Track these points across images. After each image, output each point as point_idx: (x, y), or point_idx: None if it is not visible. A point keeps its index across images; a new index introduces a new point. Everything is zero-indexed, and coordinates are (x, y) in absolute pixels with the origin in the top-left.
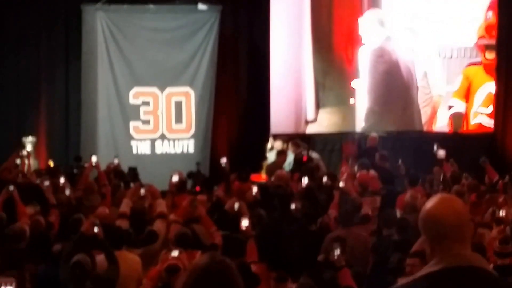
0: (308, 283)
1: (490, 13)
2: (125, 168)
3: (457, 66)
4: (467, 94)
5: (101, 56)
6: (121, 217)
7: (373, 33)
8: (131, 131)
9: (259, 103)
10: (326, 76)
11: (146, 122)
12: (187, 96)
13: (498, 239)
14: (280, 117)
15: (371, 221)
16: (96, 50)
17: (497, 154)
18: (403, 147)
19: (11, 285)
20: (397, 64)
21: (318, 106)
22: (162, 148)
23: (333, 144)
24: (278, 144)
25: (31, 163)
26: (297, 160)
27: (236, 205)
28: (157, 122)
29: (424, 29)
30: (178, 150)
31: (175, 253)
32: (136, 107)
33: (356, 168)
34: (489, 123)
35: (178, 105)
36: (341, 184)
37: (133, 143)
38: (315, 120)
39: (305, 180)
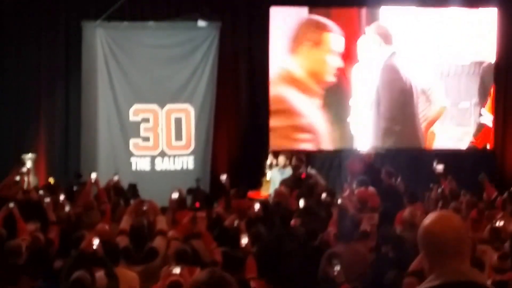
0: None
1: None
2: (125, 184)
3: (455, 81)
4: None
5: (101, 73)
6: (121, 233)
7: (377, 49)
8: (131, 147)
9: (258, 119)
10: (323, 94)
11: (146, 139)
12: (186, 113)
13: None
14: (280, 134)
15: (370, 237)
16: (96, 67)
17: (496, 171)
18: (401, 163)
19: None
20: (407, 81)
21: (314, 125)
22: (162, 164)
23: (331, 161)
24: (282, 159)
25: (31, 180)
26: (296, 177)
27: (236, 222)
28: (157, 139)
29: (422, 46)
30: (178, 166)
31: (177, 269)
32: (136, 124)
33: (354, 185)
34: None
35: (178, 121)
36: (339, 201)
37: (132, 159)
38: (311, 139)
39: (302, 201)
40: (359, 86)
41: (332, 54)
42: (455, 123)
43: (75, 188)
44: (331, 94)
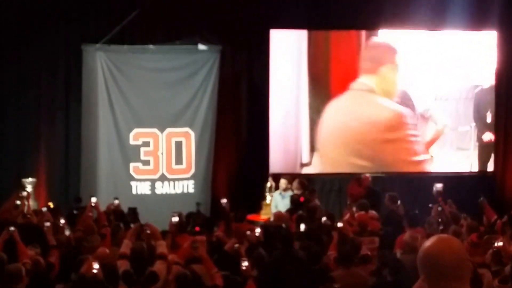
0: None
1: None
2: (125, 208)
3: (453, 105)
4: None
5: (101, 96)
6: (122, 257)
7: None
8: (131, 171)
9: (258, 143)
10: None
11: (146, 162)
12: (187, 137)
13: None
14: (279, 157)
15: (371, 261)
16: (96, 90)
17: (496, 195)
18: (401, 187)
19: None
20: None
21: (313, 149)
22: (162, 188)
23: (331, 185)
24: (283, 182)
25: (31, 204)
26: (295, 201)
27: (236, 246)
28: (157, 163)
29: (421, 69)
30: (178, 190)
31: None
32: (137, 148)
33: (354, 208)
34: None
35: (178, 145)
36: (339, 225)
37: (133, 183)
38: (310, 163)
39: (303, 225)
40: None
41: None
42: (455, 148)
43: (75, 212)
44: None
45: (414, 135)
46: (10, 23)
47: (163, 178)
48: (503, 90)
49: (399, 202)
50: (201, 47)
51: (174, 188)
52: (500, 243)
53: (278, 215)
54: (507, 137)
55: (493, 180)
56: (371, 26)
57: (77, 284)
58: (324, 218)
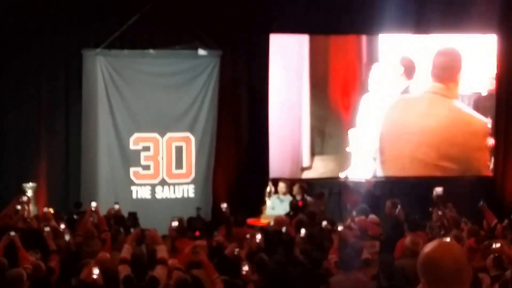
0: None
1: None
2: (125, 213)
3: None
4: None
5: (102, 101)
6: (122, 262)
7: (395, 79)
8: (131, 176)
9: (258, 147)
10: (323, 122)
11: (147, 167)
12: (187, 141)
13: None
14: (279, 162)
15: (372, 265)
16: (96, 95)
17: (497, 198)
18: (401, 191)
19: None
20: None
21: (313, 153)
22: (162, 193)
23: (330, 189)
24: (282, 186)
25: (31, 209)
26: (293, 206)
27: (236, 250)
28: (158, 167)
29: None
30: (178, 195)
31: None
32: (137, 153)
33: (354, 213)
34: None
35: (179, 150)
36: (339, 228)
37: (133, 188)
38: (310, 167)
39: (303, 230)
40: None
41: None
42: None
43: (75, 217)
44: (330, 123)
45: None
46: (10, 27)
47: (163, 182)
48: (503, 95)
49: (399, 207)
50: (201, 52)
51: (174, 193)
52: (498, 245)
53: (278, 220)
54: (507, 141)
55: (493, 184)
56: (371, 31)
57: None
58: (324, 223)
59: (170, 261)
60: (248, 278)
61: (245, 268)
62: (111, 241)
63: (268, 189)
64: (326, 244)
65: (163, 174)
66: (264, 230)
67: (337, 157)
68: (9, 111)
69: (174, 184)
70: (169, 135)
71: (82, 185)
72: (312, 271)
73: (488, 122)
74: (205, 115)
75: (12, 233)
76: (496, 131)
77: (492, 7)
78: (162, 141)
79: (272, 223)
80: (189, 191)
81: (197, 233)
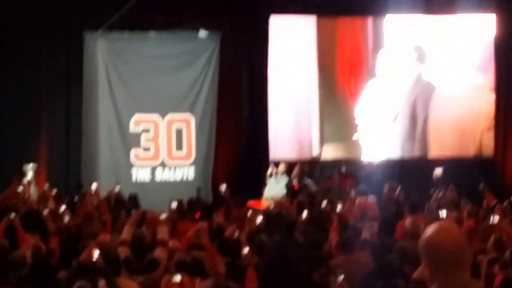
0: None
1: None
2: (125, 195)
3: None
4: None
5: (102, 83)
6: (122, 244)
7: (410, 64)
8: (132, 158)
9: (259, 129)
10: (330, 106)
11: (147, 149)
12: (187, 123)
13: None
14: (279, 144)
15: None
16: (97, 77)
17: (497, 180)
18: (402, 173)
19: None
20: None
21: (322, 140)
22: (162, 175)
23: (331, 171)
24: (282, 167)
25: (32, 191)
26: (290, 188)
27: (236, 232)
28: (158, 149)
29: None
30: (178, 177)
31: (177, 278)
32: (137, 135)
33: (353, 194)
34: None
35: (179, 132)
36: (339, 209)
37: (133, 170)
38: (319, 154)
39: (305, 212)
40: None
41: None
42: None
43: (76, 198)
44: (336, 109)
45: None
46: (11, 10)
47: (163, 164)
48: (503, 74)
49: (399, 188)
50: (202, 34)
51: (174, 175)
52: (496, 218)
53: (279, 203)
54: (507, 122)
55: (493, 166)
56: (378, 12)
57: (78, 271)
58: (324, 203)
59: (171, 243)
60: (248, 260)
61: (246, 250)
62: (111, 223)
63: (269, 172)
64: (327, 225)
65: (163, 156)
66: (265, 212)
67: (344, 144)
68: (10, 93)
69: (174, 166)
70: (169, 116)
71: (83, 166)
72: (313, 253)
73: None
74: (205, 96)
75: (12, 215)
76: (497, 113)
77: None
78: (163, 123)
79: (272, 206)
80: (189, 173)
81: (197, 215)
